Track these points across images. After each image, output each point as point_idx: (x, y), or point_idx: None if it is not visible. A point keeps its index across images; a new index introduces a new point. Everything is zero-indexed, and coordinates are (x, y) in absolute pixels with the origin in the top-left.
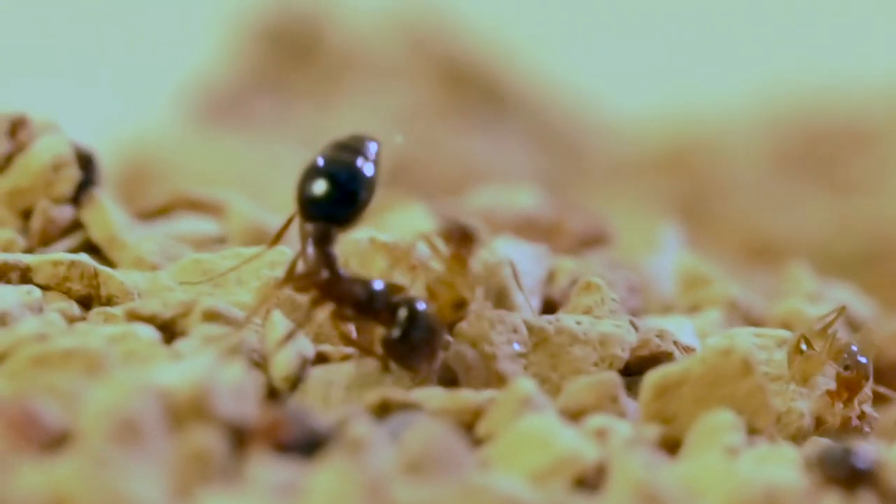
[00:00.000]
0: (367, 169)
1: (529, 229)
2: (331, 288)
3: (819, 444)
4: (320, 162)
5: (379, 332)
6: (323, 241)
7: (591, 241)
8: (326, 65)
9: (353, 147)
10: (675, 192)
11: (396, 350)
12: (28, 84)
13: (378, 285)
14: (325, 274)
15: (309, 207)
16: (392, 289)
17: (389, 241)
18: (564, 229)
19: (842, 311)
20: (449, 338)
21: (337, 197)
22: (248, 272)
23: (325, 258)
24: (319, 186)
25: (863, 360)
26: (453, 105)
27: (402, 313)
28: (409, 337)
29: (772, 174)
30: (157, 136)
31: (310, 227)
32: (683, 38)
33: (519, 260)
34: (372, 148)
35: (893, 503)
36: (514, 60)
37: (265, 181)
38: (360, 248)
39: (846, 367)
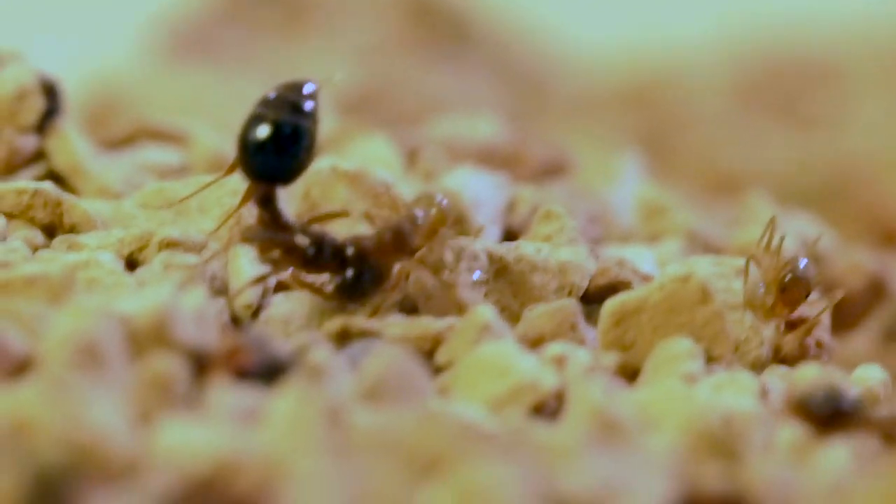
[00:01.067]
0: (305, 120)
1: (490, 159)
2: (281, 245)
3: (800, 381)
4: (259, 120)
5: (331, 279)
6: (267, 201)
7: (552, 170)
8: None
9: (290, 98)
10: (637, 127)
11: (348, 294)
12: None
13: (324, 235)
14: (272, 233)
15: (250, 170)
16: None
17: (351, 169)
18: (525, 159)
19: (772, 221)
20: (408, 263)
21: (277, 157)
22: (211, 200)
23: (271, 216)
24: (258, 149)
25: (806, 272)
26: (418, 39)
27: (350, 257)
28: (358, 281)
29: (734, 109)
30: (124, 70)
31: (253, 186)
32: None
33: (479, 189)
34: (310, 94)
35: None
36: None
37: (230, 114)
38: (322, 178)
39: (784, 282)
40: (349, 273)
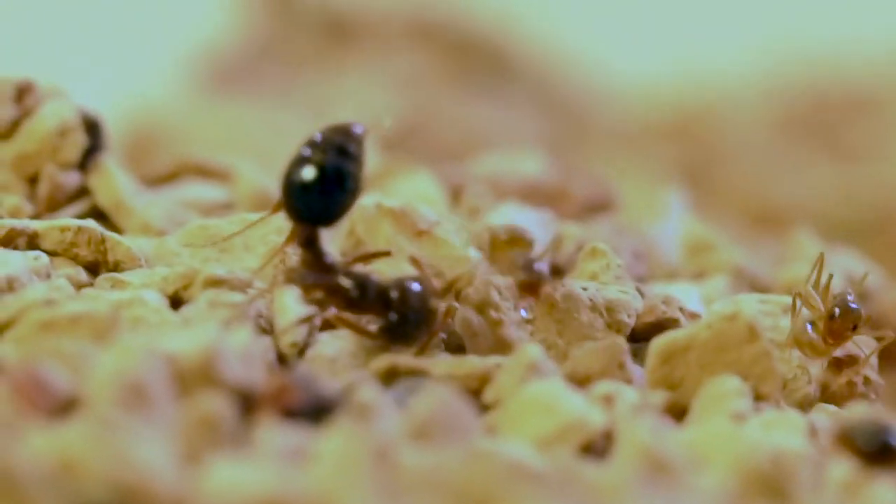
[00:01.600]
0: (350, 164)
1: (535, 195)
2: (324, 287)
3: (848, 416)
4: (304, 162)
5: (375, 320)
6: (310, 242)
7: (597, 206)
8: (333, 33)
9: (336, 141)
10: (679, 159)
11: (393, 336)
12: (35, 51)
13: (368, 277)
14: (315, 275)
15: (293, 211)
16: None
17: (396, 206)
18: (569, 195)
19: (821, 259)
20: (456, 304)
21: (320, 200)
22: (255, 238)
23: (314, 258)
24: (302, 191)
25: (853, 306)
26: (458, 72)
27: (395, 300)
28: (403, 323)
29: (776, 141)
30: (165, 103)
31: (296, 228)
32: (688, 3)
33: (524, 225)
34: (357, 137)
35: None
36: (519, 27)
37: (271, 148)
38: (366, 215)
39: (832, 316)
40: (393, 317)
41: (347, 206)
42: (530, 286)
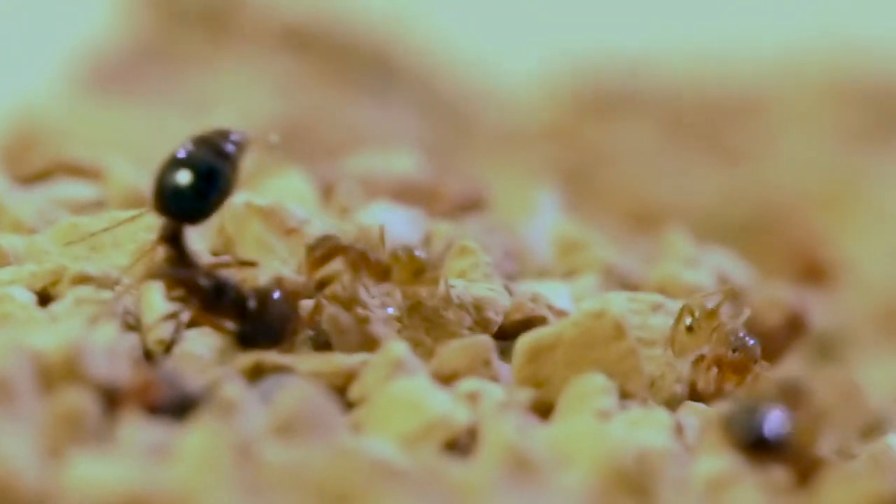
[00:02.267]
0: (222, 163)
1: (407, 194)
2: (184, 284)
3: (727, 405)
4: (176, 158)
5: (231, 324)
6: (174, 239)
7: (469, 205)
8: (216, 32)
9: (213, 143)
10: (561, 161)
11: (249, 340)
12: None
13: (227, 281)
14: (176, 272)
15: (159, 206)
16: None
17: (265, 205)
18: (442, 194)
19: (728, 292)
20: (323, 301)
21: (186, 197)
22: (125, 235)
23: (178, 255)
24: (168, 187)
25: (751, 342)
26: (340, 74)
27: (251, 307)
28: (256, 333)
29: (659, 142)
30: (44, 104)
31: (162, 224)
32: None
33: (394, 224)
34: (235, 140)
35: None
36: (400, 29)
37: (153, 148)
38: (236, 212)
39: (734, 350)
40: (247, 326)
41: (215, 206)
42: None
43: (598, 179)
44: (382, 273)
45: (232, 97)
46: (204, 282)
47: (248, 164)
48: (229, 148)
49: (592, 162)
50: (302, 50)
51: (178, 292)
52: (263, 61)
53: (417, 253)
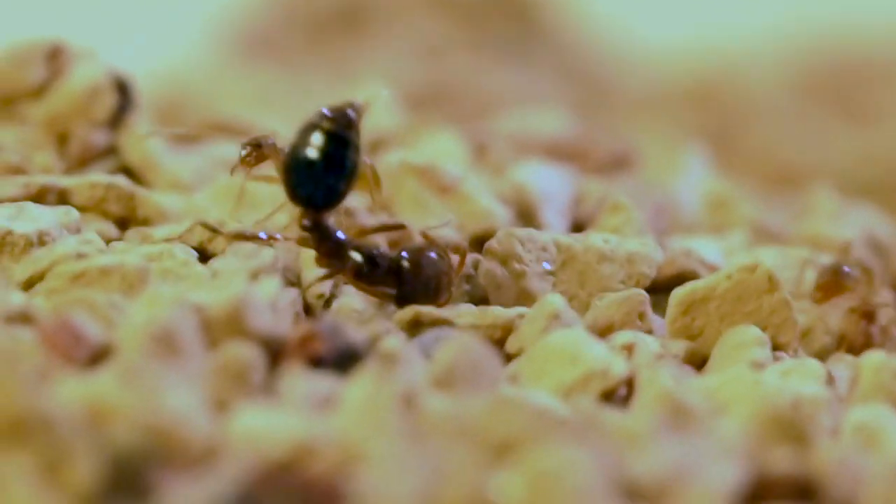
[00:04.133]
0: (346, 149)
1: (557, 152)
2: (337, 262)
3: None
4: (300, 154)
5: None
6: (316, 225)
7: (617, 163)
8: None
9: (331, 127)
10: (700, 123)
11: (407, 300)
12: (65, 16)
13: (378, 250)
14: (326, 251)
15: (294, 199)
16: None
17: (421, 163)
18: (591, 152)
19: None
20: (479, 256)
21: (319, 187)
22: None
23: (321, 237)
24: (300, 181)
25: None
26: (481, 37)
27: (405, 269)
28: (414, 289)
29: (796, 105)
30: (192, 68)
31: (301, 213)
32: None
33: (547, 182)
34: (352, 118)
35: None
36: None
37: (298, 110)
38: (392, 171)
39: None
40: (407, 287)
41: (347, 189)
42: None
43: (736, 140)
44: None
45: (376, 60)
46: (355, 256)
47: (395, 119)
48: (350, 127)
49: (730, 123)
50: (445, 14)
51: (331, 269)
52: (405, 26)
53: None
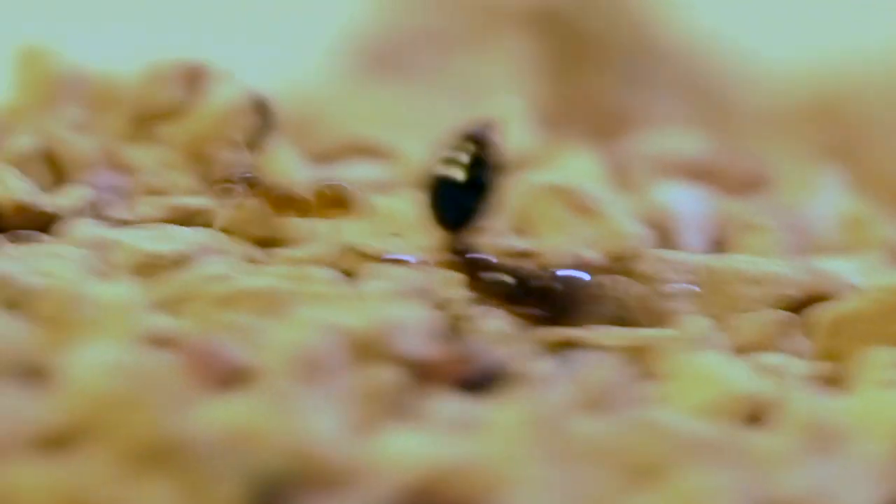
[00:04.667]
0: (486, 174)
1: (693, 173)
2: (482, 283)
3: None
4: (444, 177)
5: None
6: (460, 247)
7: (754, 184)
8: (485, 16)
9: (469, 150)
10: (823, 141)
11: (554, 321)
12: (195, 35)
13: (527, 271)
14: (473, 273)
15: (436, 221)
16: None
17: (562, 184)
18: (727, 173)
19: None
20: (621, 277)
21: (463, 212)
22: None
23: (466, 260)
24: (443, 206)
25: None
26: (605, 56)
27: (554, 291)
28: (561, 310)
29: None
30: (319, 85)
31: (445, 238)
32: None
33: (686, 202)
34: (488, 138)
35: None
36: (662, 11)
37: (427, 128)
38: (533, 192)
39: None
40: (552, 308)
41: (487, 210)
42: None
43: (860, 160)
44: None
45: (501, 80)
46: (501, 278)
47: (528, 139)
48: (489, 147)
49: (854, 140)
50: (568, 33)
51: (476, 291)
52: (529, 45)
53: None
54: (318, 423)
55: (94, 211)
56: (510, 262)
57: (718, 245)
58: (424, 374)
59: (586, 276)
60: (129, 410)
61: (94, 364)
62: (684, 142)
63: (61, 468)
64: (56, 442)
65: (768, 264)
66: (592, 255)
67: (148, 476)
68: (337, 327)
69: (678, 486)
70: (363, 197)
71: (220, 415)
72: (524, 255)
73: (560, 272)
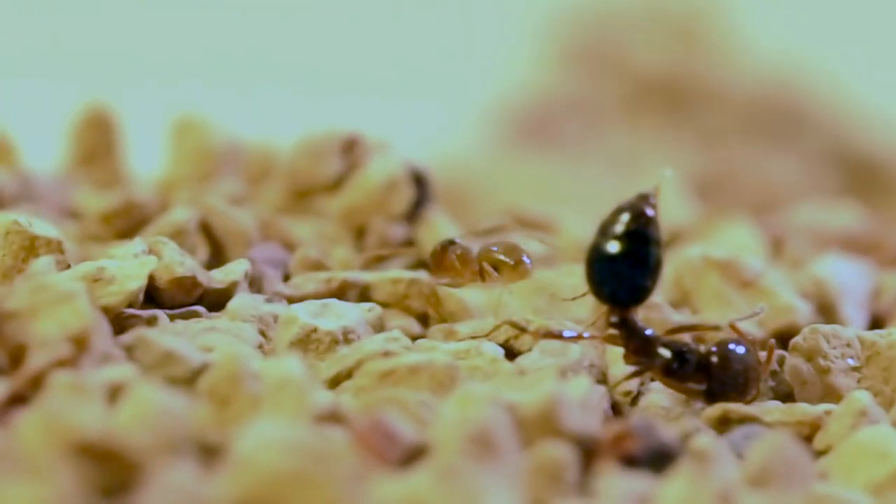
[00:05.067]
0: (651, 247)
1: (851, 245)
2: (645, 358)
3: None
4: (607, 250)
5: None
6: (624, 323)
7: None
8: (632, 86)
9: (630, 225)
10: None
11: (715, 396)
12: (344, 104)
13: (687, 346)
14: (634, 348)
15: (601, 298)
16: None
17: (722, 257)
18: (885, 244)
19: None
20: (784, 353)
21: (626, 286)
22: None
23: (629, 333)
24: (606, 280)
25: None
26: (753, 126)
27: (714, 365)
28: (722, 385)
29: None
30: (469, 155)
31: (608, 311)
32: None
33: (846, 275)
34: (650, 213)
35: None
36: (808, 81)
37: (574, 201)
38: (693, 265)
39: None
40: (716, 384)
41: (652, 286)
42: None
43: None
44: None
45: (650, 151)
46: (664, 353)
47: (685, 210)
48: (650, 221)
49: None
50: (717, 104)
51: (639, 366)
52: (681, 116)
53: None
54: (491, 501)
55: (254, 285)
56: (670, 337)
57: (878, 319)
58: (592, 451)
59: (748, 351)
60: (305, 488)
61: (267, 441)
62: (839, 213)
63: None
64: None
65: None
66: (754, 329)
67: None
68: (506, 403)
69: None
70: (531, 262)
71: (393, 493)
72: (683, 328)
73: (721, 347)
